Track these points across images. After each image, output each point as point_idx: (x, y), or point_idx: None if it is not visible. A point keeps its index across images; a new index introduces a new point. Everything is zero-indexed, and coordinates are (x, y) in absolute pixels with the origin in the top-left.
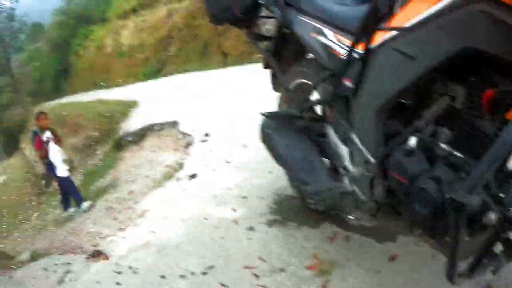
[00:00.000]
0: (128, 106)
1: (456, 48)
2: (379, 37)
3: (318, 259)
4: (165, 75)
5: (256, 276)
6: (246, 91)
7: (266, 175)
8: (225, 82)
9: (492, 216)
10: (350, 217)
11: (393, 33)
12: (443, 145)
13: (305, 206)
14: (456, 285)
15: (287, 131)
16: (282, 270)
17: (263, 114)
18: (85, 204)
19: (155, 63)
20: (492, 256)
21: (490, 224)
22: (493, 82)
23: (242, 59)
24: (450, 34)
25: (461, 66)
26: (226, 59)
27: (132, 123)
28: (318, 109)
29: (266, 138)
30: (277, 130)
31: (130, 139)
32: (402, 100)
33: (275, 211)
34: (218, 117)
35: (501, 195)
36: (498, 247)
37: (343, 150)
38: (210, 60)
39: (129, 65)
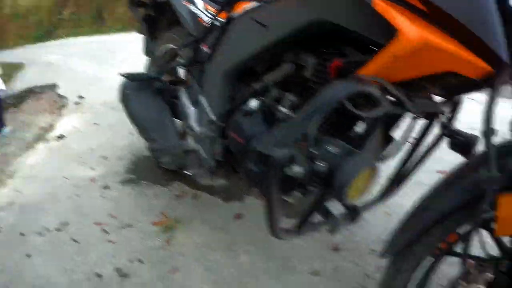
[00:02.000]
0: (14, 69)
1: (305, 20)
2: (242, 8)
3: (165, 216)
4: (56, 39)
5: (106, 232)
6: (128, 58)
7: (129, 136)
8: (111, 48)
9: (297, 169)
10: (189, 172)
11: (255, 4)
12: (283, 109)
13: (159, 165)
14: (284, 239)
15: (145, 93)
16: (130, 226)
17: (122, 75)
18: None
19: (48, 26)
20: (326, 215)
21: (298, 177)
22: (343, 53)
23: (135, 25)
24: (300, 7)
25: (316, 37)
26: (119, 25)
27: (15, 86)
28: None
29: (124, 98)
30: (135, 91)
31: (10, 101)
32: (255, 67)
33: (130, 170)
34: (95, 81)
35: (313, 150)
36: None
37: (192, 111)
38: (103, 25)
39: (24, 27)
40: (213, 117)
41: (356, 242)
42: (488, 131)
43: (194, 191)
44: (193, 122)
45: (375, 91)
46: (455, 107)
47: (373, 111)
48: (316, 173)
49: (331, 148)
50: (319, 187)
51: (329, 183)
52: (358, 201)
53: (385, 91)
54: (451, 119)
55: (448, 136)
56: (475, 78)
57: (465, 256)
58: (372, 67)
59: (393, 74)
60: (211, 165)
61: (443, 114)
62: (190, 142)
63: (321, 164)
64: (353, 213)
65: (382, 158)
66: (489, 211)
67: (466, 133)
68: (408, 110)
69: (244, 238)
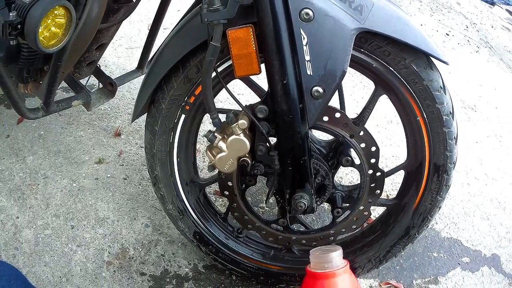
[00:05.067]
0: None
1: None
2: None
3: None
4: None
5: None
6: None
7: None
8: None
9: None
10: None
11: None
12: None
13: None
14: (32, 118)
15: None
16: None
17: None
18: None
19: None
20: (78, 90)
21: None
22: None
23: None
24: None
25: None
26: None
27: None
28: None
29: None
30: None
31: None
32: None
33: None
34: None
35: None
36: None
37: None
38: None
39: None
40: None
41: (136, 123)
42: None
43: None
44: None
45: None
46: None
47: None
48: (11, 25)
49: None
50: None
51: (22, 33)
52: (56, 49)
53: None
54: None
55: None
56: None
57: (214, 107)
58: None
59: None
60: None
61: None
62: None
63: (12, 13)
64: (109, 86)
65: (119, 19)
66: (217, 47)
67: None
68: None
69: (28, 139)
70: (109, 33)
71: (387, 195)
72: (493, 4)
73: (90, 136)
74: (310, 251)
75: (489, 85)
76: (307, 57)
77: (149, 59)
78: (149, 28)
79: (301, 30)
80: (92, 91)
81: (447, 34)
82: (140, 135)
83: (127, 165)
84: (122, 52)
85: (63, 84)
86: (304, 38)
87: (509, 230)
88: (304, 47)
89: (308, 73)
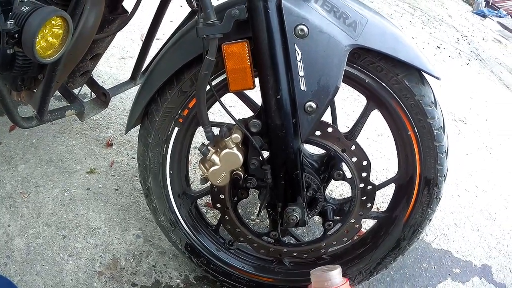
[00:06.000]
0: None
1: None
2: None
3: None
4: None
5: None
6: None
7: None
8: None
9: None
10: None
11: None
12: None
13: None
14: (25, 127)
15: None
16: None
17: None
18: None
19: None
20: (71, 99)
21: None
22: None
23: None
24: None
25: None
26: None
27: None
28: None
29: None
30: None
31: None
32: None
33: None
34: None
35: (15, 11)
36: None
37: None
38: None
39: None
40: None
41: (127, 134)
42: None
43: None
44: None
45: None
46: None
47: None
48: (8, 34)
49: (23, 8)
50: (16, 51)
51: (19, 42)
52: (53, 59)
53: None
54: None
55: (191, 7)
56: None
57: (207, 121)
58: None
59: None
60: None
61: None
62: None
63: (10, 22)
64: (102, 97)
65: (113, 30)
66: (212, 61)
67: None
68: None
69: (20, 147)
70: (103, 43)
71: (377, 207)
72: (484, 16)
73: (82, 145)
74: (310, 271)
75: (480, 98)
76: (301, 73)
77: (142, 70)
78: (142, 39)
79: (296, 46)
80: (85, 100)
81: (438, 47)
82: (131, 146)
83: (118, 175)
84: (115, 62)
85: (56, 93)
86: (298, 54)
87: (499, 241)
88: (298, 63)
89: (302, 88)
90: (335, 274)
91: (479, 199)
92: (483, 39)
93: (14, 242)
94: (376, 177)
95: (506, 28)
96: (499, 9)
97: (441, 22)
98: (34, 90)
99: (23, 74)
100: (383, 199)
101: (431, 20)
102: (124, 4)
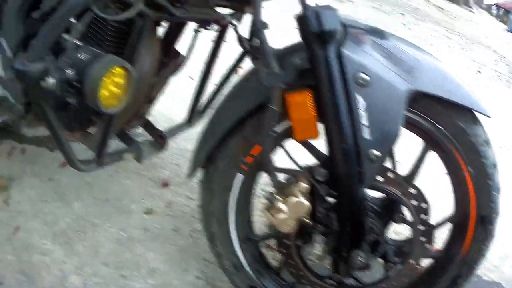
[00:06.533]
0: None
1: None
2: None
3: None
4: None
5: None
6: None
7: None
8: None
9: (51, 80)
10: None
11: None
12: (70, 38)
13: None
14: (84, 171)
15: None
16: None
17: None
18: None
19: None
20: (129, 142)
21: (52, 89)
22: None
23: None
24: None
25: None
26: None
27: None
28: None
29: None
30: None
31: None
32: None
33: None
34: None
35: (64, 58)
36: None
37: None
38: None
39: None
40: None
41: (184, 174)
42: (258, 23)
43: (22, 146)
44: None
45: None
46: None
47: (122, 13)
48: (68, 83)
49: (81, 55)
50: (77, 98)
51: (81, 92)
52: (117, 109)
53: None
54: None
55: (244, 49)
56: None
57: (273, 169)
58: None
59: None
60: (20, 110)
61: (232, 24)
62: None
63: (70, 72)
64: (159, 139)
65: (168, 73)
66: (276, 111)
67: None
68: (173, 15)
69: (73, 184)
70: (159, 87)
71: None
72: None
73: (137, 185)
74: None
75: None
76: (364, 122)
77: (199, 111)
78: (193, 80)
79: (358, 94)
80: (141, 142)
81: (479, 71)
82: (188, 187)
83: (176, 216)
84: (165, 100)
85: None
86: (360, 103)
87: None
88: (361, 112)
89: (366, 137)
90: None
91: None
92: None
93: (70, 280)
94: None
95: None
96: None
97: (478, 44)
98: (88, 131)
99: (78, 116)
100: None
101: (468, 42)
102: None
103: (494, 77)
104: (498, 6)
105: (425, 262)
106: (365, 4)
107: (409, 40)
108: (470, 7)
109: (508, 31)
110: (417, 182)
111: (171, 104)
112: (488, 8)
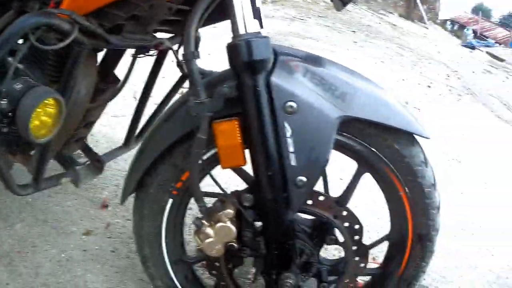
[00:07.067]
0: None
1: None
2: None
3: None
4: None
5: None
6: None
7: None
8: None
9: None
10: None
11: None
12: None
13: None
14: (22, 195)
15: None
16: None
17: None
18: None
19: None
20: (66, 166)
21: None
22: None
23: None
24: None
25: None
26: None
27: None
28: None
29: None
30: None
31: None
32: None
33: None
34: None
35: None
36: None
37: None
38: None
39: None
40: None
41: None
42: (188, 54)
43: None
44: None
45: (62, 23)
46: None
47: (59, 43)
48: (2, 112)
49: (17, 85)
50: (8, 128)
51: (14, 122)
52: (48, 139)
53: (76, 23)
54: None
55: (182, 73)
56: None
57: (200, 194)
58: (66, 1)
59: (84, 5)
60: None
61: (171, 49)
62: None
63: (3, 102)
64: (96, 163)
65: (106, 99)
66: (203, 139)
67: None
68: (109, 43)
69: (16, 206)
70: (96, 112)
71: (373, 257)
72: (473, 48)
73: (77, 206)
74: None
75: (472, 134)
76: (291, 149)
77: (136, 135)
78: (135, 96)
79: (285, 122)
80: (80, 165)
81: (429, 86)
82: (126, 208)
83: (114, 237)
84: (108, 120)
85: None
86: (288, 131)
87: (499, 274)
88: (289, 139)
89: (292, 164)
90: None
91: (476, 236)
92: (473, 71)
93: None
94: (367, 230)
95: (495, 57)
96: (487, 38)
97: (431, 60)
98: (30, 153)
99: (18, 140)
100: (379, 249)
101: (421, 59)
102: (116, 72)
103: (445, 92)
104: (453, 21)
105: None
106: (318, 23)
107: (360, 57)
108: (424, 23)
109: (462, 45)
110: (351, 202)
111: (114, 124)
112: (443, 23)
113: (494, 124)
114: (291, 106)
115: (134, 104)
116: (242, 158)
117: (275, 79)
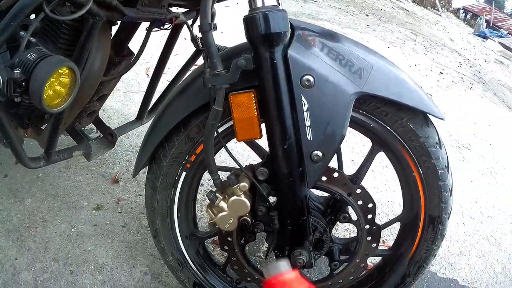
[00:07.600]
0: None
1: None
2: None
3: None
4: None
5: None
6: None
7: None
8: None
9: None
10: None
11: None
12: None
13: None
14: (33, 167)
15: None
16: None
17: None
18: None
19: None
20: (79, 140)
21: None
22: None
23: None
24: None
25: None
26: None
27: None
28: None
29: None
30: None
31: None
32: None
33: None
34: None
35: (16, 58)
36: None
37: None
38: None
39: None
40: None
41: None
42: (205, 25)
43: None
44: None
45: None
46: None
47: (72, 14)
48: (15, 82)
49: (30, 55)
50: (23, 98)
51: (27, 92)
52: (61, 109)
53: None
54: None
55: (197, 47)
56: None
57: (215, 168)
58: None
59: None
60: None
61: (186, 23)
62: None
63: (17, 71)
64: (109, 136)
65: (119, 72)
66: (219, 111)
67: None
68: (124, 14)
69: (26, 181)
70: (110, 85)
71: (383, 240)
72: (486, 37)
73: (88, 181)
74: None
75: (483, 122)
76: (308, 123)
77: (148, 109)
78: (148, 73)
79: (302, 96)
80: (92, 139)
81: (441, 73)
82: (138, 183)
83: (125, 212)
84: (120, 96)
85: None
86: (305, 104)
87: (505, 265)
88: (305, 113)
89: (308, 138)
90: (282, 264)
91: (485, 225)
92: (485, 61)
93: (21, 276)
94: (381, 210)
95: (507, 48)
96: (500, 29)
97: (443, 47)
98: (41, 127)
99: (30, 113)
100: (388, 232)
101: (433, 45)
102: (130, 45)
103: (457, 79)
104: (466, 10)
105: (375, 259)
106: (331, 5)
107: (373, 41)
108: (438, 10)
109: (475, 34)
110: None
111: (127, 100)
112: (456, 12)
113: (504, 113)
114: (308, 80)
115: (146, 81)
116: (258, 131)
117: (292, 52)
